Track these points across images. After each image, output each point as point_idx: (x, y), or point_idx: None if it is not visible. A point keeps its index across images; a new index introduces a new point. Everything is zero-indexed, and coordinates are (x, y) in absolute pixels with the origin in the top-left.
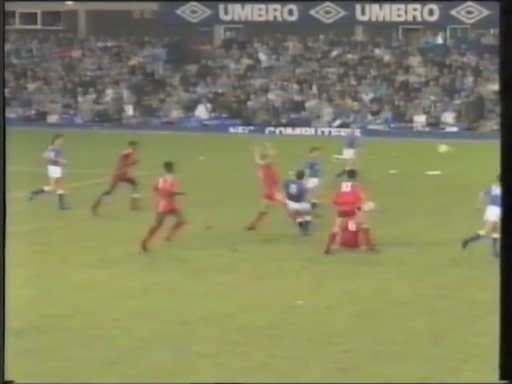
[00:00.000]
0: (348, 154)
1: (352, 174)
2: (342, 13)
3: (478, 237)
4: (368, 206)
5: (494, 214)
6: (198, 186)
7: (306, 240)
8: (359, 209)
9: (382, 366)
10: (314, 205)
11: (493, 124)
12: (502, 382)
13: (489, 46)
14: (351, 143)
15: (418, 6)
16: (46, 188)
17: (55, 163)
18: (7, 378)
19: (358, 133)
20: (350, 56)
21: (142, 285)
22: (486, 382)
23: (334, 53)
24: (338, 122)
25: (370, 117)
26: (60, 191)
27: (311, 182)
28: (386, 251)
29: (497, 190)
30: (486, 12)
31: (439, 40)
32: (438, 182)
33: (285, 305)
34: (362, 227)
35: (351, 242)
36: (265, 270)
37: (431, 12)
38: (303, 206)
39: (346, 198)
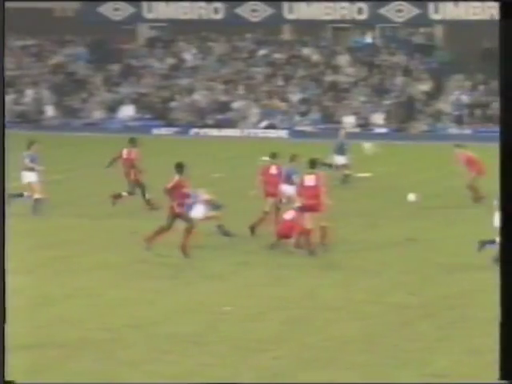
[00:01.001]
0: (339, 161)
1: (314, 165)
2: (269, 11)
3: (493, 241)
4: (412, 196)
5: None
6: (121, 190)
7: (234, 245)
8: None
9: (312, 372)
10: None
11: (422, 125)
12: (502, 382)
13: (419, 46)
14: (341, 148)
15: (346, 4)
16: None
17: (30, 169)
18: (7, 378)
19: (285, 134)
20: (277, 55)
21: (65, 291)
22: (486, 382)
23: (261, 52)
24: (265, 123)
25: (297, 118)
26: (36, 195)
27: (290, 190)
28: (316, 255)
29: None
30: (415, 11)
31: (368, 39)
32: (368, 184)
33: (213, 311)
34: (321, 224)
35: (283, 232)
36: (190, 276)
37: (360, 11)
38: (198, 214)
39: (310, 192)
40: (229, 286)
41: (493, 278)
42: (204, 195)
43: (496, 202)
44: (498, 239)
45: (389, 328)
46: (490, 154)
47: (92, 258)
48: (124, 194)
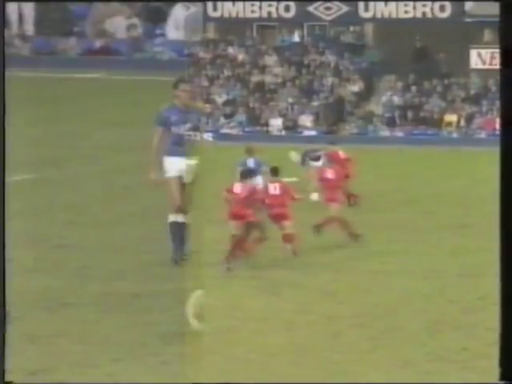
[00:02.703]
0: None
1: (276, 172)
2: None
3: None
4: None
5: None
6: None
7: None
8: None
9: None
10: None
11: (352, 127)
12: (502, 382)
13: (349, 45)
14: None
15: (273, 2)
16: None
17: None
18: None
19: (210, 137)
20: (201, 55)
21: None
22: (486, 382)
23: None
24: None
25: (222, 120)
26: None
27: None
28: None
29: None
30: (345, 8)
31: (296, 38)
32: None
33: None
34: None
35: (236, 210)
36: None
37: (287, 8)
38: None
39: (276, 200)
40: None
41: (419, 286)
42: None
43: None
44: None
45: (318, 339)
46: (421, 157)
47: None
48: None
